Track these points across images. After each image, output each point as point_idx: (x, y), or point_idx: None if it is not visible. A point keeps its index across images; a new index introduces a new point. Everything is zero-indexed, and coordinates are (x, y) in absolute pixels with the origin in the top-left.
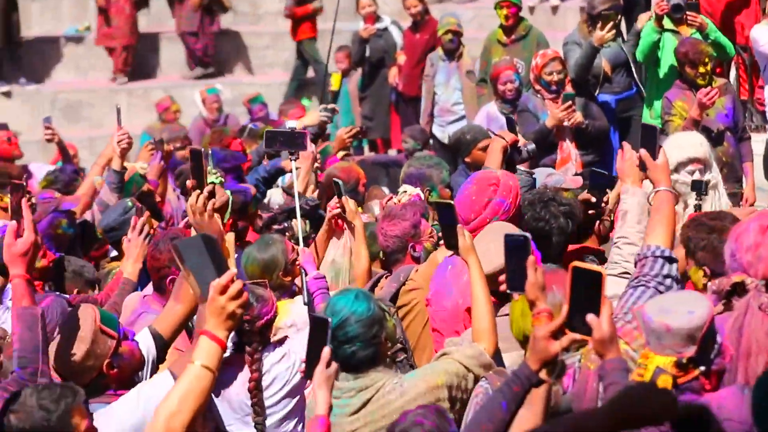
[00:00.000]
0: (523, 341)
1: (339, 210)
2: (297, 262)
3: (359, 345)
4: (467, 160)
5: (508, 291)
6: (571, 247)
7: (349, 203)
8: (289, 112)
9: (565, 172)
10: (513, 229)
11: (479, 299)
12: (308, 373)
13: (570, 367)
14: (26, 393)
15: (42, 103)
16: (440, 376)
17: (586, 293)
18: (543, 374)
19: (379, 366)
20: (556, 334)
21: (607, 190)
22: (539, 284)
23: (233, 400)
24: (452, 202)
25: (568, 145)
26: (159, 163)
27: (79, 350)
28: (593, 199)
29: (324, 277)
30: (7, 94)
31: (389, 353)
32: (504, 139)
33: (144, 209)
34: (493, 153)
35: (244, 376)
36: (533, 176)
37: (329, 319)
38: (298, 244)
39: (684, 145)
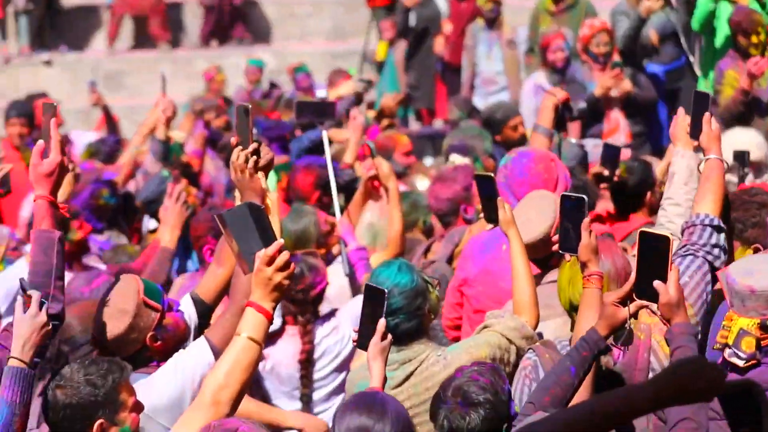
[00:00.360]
0: (570, 309)
1: (374, 172)
2: (333, 234)
3: (402, 317)
4: (497, 138)
5: (560, 251)
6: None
7: (383, 165)
8: (337, 81)
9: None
10: (552, 198)
11: (520, 272)
12: (361, 344)
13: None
14: (72, 368)
15: (82, 72)
16: (483, 348)
17: (654, 259)
18: (611, 340)
19: (422, 338)
20: (624, 301)
21: (652, 161)
22: (592, 246)
23: (282, 374)
24: (492, 174)
25: (617, 114)
26: (202, 132)
27: (121, 323)
28: (605, 173)
29: (365, 248)
30: (48, 63)
31: None
32: (555, 96)
33: (181, 177)
34: (545, 110)
35: (294, 348)
36: (584, 148)
37: (386, 291)
38: (333, 215)
39: (741, 144)
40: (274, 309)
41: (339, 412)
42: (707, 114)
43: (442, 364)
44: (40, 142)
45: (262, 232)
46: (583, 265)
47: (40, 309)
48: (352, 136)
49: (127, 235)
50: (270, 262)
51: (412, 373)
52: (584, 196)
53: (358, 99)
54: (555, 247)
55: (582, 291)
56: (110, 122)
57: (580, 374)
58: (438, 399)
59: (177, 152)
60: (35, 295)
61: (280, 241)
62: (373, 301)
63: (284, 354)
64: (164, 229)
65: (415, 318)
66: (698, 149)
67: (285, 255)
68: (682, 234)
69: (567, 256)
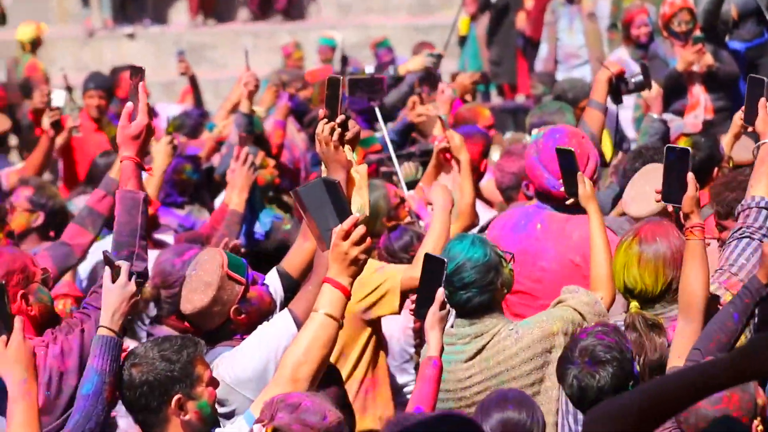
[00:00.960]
0: (624, 293)
1: (445, 144)
2: (403, 207)
3: (475, 291)
4: None
5: (663, 202)
6: None
7: (455, 137)
8: (379, 53)
9: (694, 117)
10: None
11: (599, 247)
12: (418, 314)
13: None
14: (147, 346)
15: (166, 45)
16: (556, 322)
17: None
18: None
19: (494, 312)
20: None
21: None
22: (696, 198)
23: (394, 348)
24: (572, 149)
25: (698, 89)
26: (285, 103)
27: (205, 296)
28: None
29: None
30: (131, 36)
31: None
32: (609, 69)
33: (247, 140)
34: (599, 84)
35: (404, 320)
36: (666, 124)
37: (445, 260)
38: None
39: None
40: (351, 284)
41: (484, 407)
42: (762, 99)
43: (513, 338)
44: (129, 104)
45: (337, 207)
46: (686, 216)
47: (129, 279)
48: (441, 109)
49: (209, 210)
50: (346, 236)
51: (483, 347)
52: (689, 148)
53: (427, 73)
54: (657, 198)
55: (688, 245)
56: (196, 93)
57: (743, 320)
58: (565, 360)
59: (258, 126)
60: (124, 265)
61: (356, 215)
62: (432, 270)
63: (394, 328)
64: (232, 192)
65: (487, 292)
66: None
67: (361, 229)
68: (737, 217)
69: (669, 207)
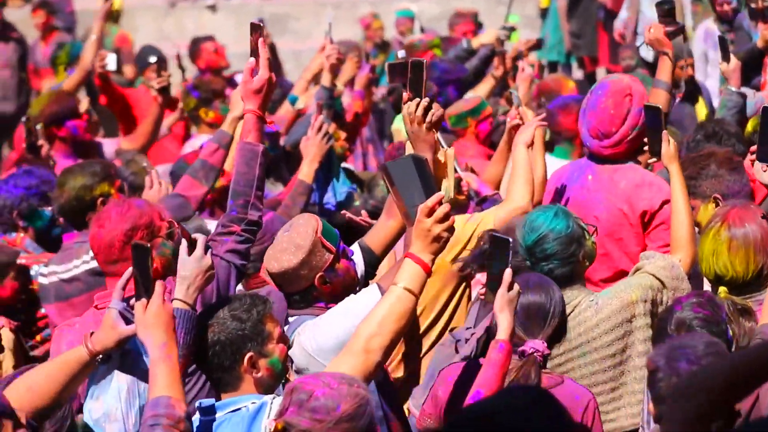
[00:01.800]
0: (714, 281)
1: (518, 120)
2: (462, 185)
3: (556, 263)
4: None
5: (758, 161)
6: None
7: (528, 114)
8: (456, 26)
9: None
10: None
11: (679, 208)
12: (488, 296)
13: None
14: (217, 306)
15: (247, 16)
16: (634, 291)
17: None
18: None
19: (575, 284)
20: None
21: None
22: None
23: None
24: (660, 106)
25: None
26: (366, 74)
27: (295, 257)
28: None
29: (498, 194)
30: (213, 8)
31: None
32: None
33: (323, 110)
34: (665, 64)
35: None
36: (745, 97)
37: (510, 240)
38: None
39: None
40: (432, 261)
41: None
42: None
43: (593, 309)
44: (251, 59)
45: (425, 184)
46: None
47: (206, 252)
48: (521, 87)
49: (285, 184)
50: (430, 213)
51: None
52: None
53: (497, 47)
54: (751, 158)
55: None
56: (276, 63)
57: None
58: (661, 332)
59: (338, 105)
60: (200, 238)
61: (441, 193)
62: (499, 251)
63: None
64: (303, 162)
65: (568, 264)
66: None
67: (445, 207)
68: None
69: (763, 166)
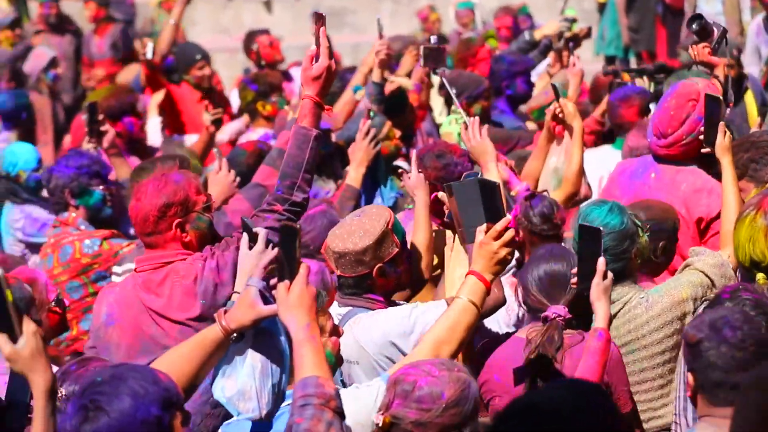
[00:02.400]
0: (751, 266)
1: (558, 111)
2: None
3: (608, 258)
4: None
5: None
6: None
7: (568, 105)
8: (497, 19)
9: None
10: None
11: (730, 202)
12: (581, 287)
13: None
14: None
15: (304, 9)
16: (684, 289)
17: None
18: None
19: (626, 280)
20: None
21: None
22: None
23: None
24: (721, 97)
25: None
26: (423, 67)
27: (362, 242)
28: None
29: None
30: (267, 4)
31: None
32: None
33: (378, 111)
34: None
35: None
36: None
37: (601, 229)
38: None
39: None
40: (492, 281)
41: (530, 262)
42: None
43: (644, 306)
44: (312, 47)
45: (489, 207)
46: None
47: (266, 245)
48: (572, 81)
49: (337, 180)
50: (497, 237)
51: (615, 315)
52: None
53: (558, 39)
54: None
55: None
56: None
57: None
58: None
59: (404, 98)
60: (261, 232)
61: (508, 217)
62: (589, 240)
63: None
64: (351, 167)
65: (620, 260)
66: None
67: (512, 232)
68: None
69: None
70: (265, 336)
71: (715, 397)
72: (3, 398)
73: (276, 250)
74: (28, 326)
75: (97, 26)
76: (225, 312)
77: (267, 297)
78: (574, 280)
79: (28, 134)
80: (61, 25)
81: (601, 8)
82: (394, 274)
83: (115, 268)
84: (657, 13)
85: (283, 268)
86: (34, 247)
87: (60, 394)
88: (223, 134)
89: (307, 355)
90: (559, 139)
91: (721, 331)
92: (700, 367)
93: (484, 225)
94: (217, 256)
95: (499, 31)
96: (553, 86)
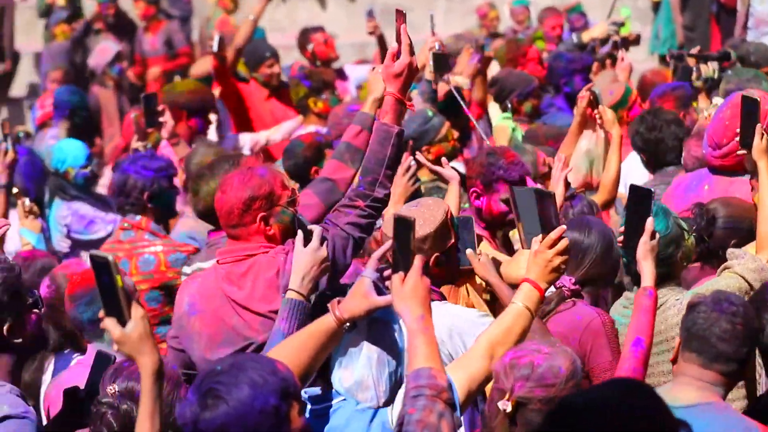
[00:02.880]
0: None
1: (589, 98)
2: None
3: None
4: None
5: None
6: None
7: (607, 112)
8: (545, 20)
9: None
10: None
11: (765, 206)
12: (627, 245)
13: None
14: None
15: (358, 7)
16: None
17: None
18: None
19: (670, 284)
20: None
21: None
22: None
23: None
24: (759, 99)
25: None
26: (474, 64)
27: (422, 229)
28: None
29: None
30: (321, 1)
31: None
32: None
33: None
34: None
35: None
36: None
37: (652, 190)
38: None
39: None
40: (546, 290)
41: None
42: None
43: (677, 308)
44: (393, 45)
45: (543, 217)
46: None
47: (322, 243)
48: (620, 76)
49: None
50: (551, 245)
51: None
52: None
53: (604, 43)
54: None
55: None
56: (383, 54)
57: None
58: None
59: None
60: (317, 229)
61: (563, 227)
62: (638, 202)
63: None
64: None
65: (665, 265)
66: None
67: (565, 241)
68: None
69: None
70: (379, 325)
71: (692, 359)
72: (82, 390)
73: (323, 250)
74: (136, 311)
75: (148, 24)
76: (338, 302)
77: (380, 288)
78: (621, 238)
79: (77, 131)
80: (118, 24)
81: (656, 7)
82: (450, 264)
83: (185, 269)
84: (711, 11)
85: (397, 259)
86: (81, 244)
87: (113, 390)
88: (277, 134)
89: (420, 346)
90: (591, 124)
91: (721, 302)
92: (688, 325)
93: (540, 235)
94: None
95: (552, 30)
96: (592, 92)
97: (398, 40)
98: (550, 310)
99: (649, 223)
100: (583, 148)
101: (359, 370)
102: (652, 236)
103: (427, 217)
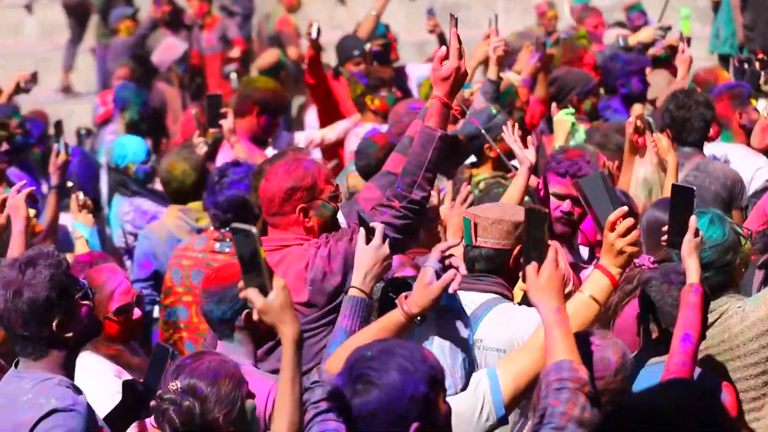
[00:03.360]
0: None
1: (638, 123)
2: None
3: (712, 272)
4: None
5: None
6: None
7: (662, 140)
8: (585, 20)
9: None
10: None
11: None
12: (671, 243)
13: None
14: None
15: (418, 6)
16: None
17: None
18: None
19: (729, 291)
20: None
21: None
22: None
23: None
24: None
25: None
26: (534, 63)
27: (517, 216)
28: None
29: None
30: None
31: None
32: None
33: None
34: None
35: None
36: None
37: (694, 188)
38: None
39: None
40: (619, 275)
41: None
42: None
43: (739, 316)
44: (442, 48)
45: (613, 200)
46: None
47: (383, 241)
48: (680, 69)
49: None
50: (612, 228)
51: (711, 325)
52: None
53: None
54: None
55: None
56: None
57: None
58: None
59: (512, 95)
60: (379, 227)
61: (624, 208)
62: (681, 200)
63: None
64: (447, 232)
65: (723, 273)
66: None
67: (628, 222)
68: None
69: None
70: (447, 315)
71: (654, 329)
72: (141, 386)
73: (386, 245)
74: (278, 281)
75: (203, 21)
76: (405, 297)
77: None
78: (665, 237)
79: (137, 127)
80: (175, 21)
81: (716, 7)
82: (519, 266)
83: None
84: None
85: (529, 251)
86: None
87: (175, 387)
88: (332, 133)
89: (558, 338)
90: (642, 150)
91: (669, 274)
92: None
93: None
94: (330, 245)
95: (595, 29)
96: (647, 120)
97: (447, 44)
98: (632, 289)
99: (693, 220)
100: (640, 176)
101: None
102: (696, 233)
103: (516, 210)
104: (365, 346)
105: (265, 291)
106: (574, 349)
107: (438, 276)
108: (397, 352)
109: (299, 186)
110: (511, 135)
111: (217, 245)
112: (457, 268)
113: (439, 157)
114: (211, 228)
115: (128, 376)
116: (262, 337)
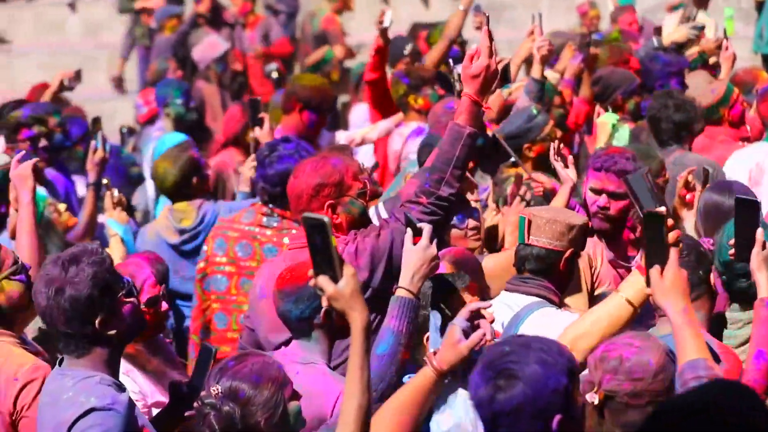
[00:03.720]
0: None
1: (689, 179)
2: (534, 185)
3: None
4: None
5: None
6: None
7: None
8: (618, 18)
9: None
10: None
11: None
12: (739, 257)
13: None
14: None
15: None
16: None
17: None
18: None
19: None
20: None
21: None
22: None
23: None
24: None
25: None
26: (578, 63)
27: (573, 219)
28: None
29: None
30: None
31: None
32: None
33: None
34: None
35: None
36: None
37: (758, 200)
38: None
39: None
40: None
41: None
42: None
43: None
44: (473, 46)
45: (654, 195)
46: None
47: (431, 241)
48: (723, 66)
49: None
50: None
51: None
52: None
53: (681, 47)
54: None
55: None
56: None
57: None
58: None
59: (550, 95)
60: (426, 227)
61: (662, 208)
62: (746, 213)
63: None
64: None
65: None
66: None
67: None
68: None
69: None
70: (471, 365)
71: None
72: (185, 386)
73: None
74: (348, 269)
75: (246, 20)
76: (434, 354)
77: (470, 336)
78: (732, 251)
79: (183, 123)
80: (216, 18)
81: (759, 7)
82: (570, 270)
83: None
84: None
85: (651, 254)
86: None
87: (216, 391)
88: (373, 132)
89: (688, 339)
90: (689, 205)
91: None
92: None
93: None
94: (357, 241)
95: (630, 27)
96: (705, 169)
97: (479, 42)
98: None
99: (760, 233)
100: (688, 229)
101: (458, 413)
102: (764, 246)
103: (571, 213)
104: (500, 342)
105: (335, 279)
106: (704, 347)
107: (466, 335)
108: (533, 345)
109: (327, 182)
110: (554, 154)
111: (265, 219)
112: (484, 333)
113: (467, 154)
114: (259, 202)
115: (131, 378)
116: (338, 334)
